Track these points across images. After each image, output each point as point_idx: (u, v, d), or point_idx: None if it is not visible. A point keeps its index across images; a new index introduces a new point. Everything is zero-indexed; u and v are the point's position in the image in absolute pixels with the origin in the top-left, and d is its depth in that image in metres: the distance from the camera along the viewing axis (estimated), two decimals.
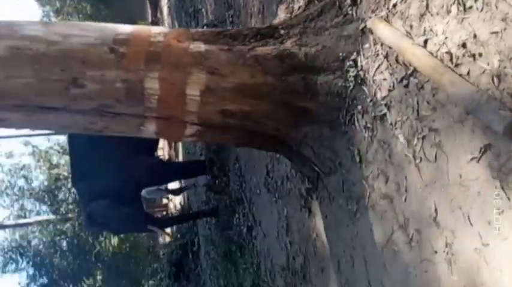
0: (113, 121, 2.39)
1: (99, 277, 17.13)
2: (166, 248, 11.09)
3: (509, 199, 1.32)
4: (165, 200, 15.35)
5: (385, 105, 1.89)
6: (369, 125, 2.04)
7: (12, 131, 16.34)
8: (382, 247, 2.05)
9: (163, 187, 8.62)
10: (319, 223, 2.83)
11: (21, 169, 16.94)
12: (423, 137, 1.68)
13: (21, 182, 17.17)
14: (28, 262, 16.47)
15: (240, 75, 2.20)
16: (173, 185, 9.58)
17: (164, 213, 13.61)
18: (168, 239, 9.48)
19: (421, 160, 1.71)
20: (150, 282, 11.10)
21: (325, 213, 2.69)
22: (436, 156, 1.63)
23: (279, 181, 3.55)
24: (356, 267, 2.34)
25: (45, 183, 16.49)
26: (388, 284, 2.02)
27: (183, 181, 8.58)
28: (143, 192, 8.56)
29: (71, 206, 15.72)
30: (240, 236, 4.88)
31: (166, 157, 11.61)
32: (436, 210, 1.65)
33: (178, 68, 2.16)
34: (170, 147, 11.63)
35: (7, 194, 17.27)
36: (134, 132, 2.48)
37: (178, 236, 9.96)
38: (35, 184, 17.24)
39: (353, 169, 2.25)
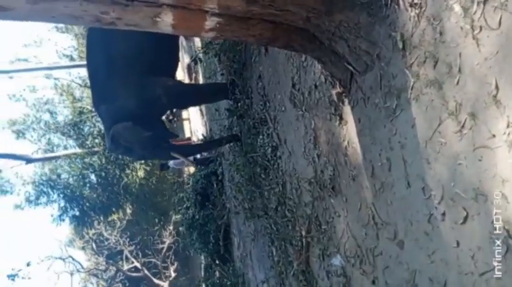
0: (125, 11, 2.16)
1: (128, 211, 17.82)
2: (191, 177, 11.27)
3: None
4: (187, 134, 15.41)
5: None
6: (416, 0, 1.75)
7: (32, 64, 16.31)
8: (426, 141, 1.84)
9: (191, 157, 8.29)
10: (351, 129, 2.62)
11: (45, 103, 17.08)
12: (484, 1, 1.41)
13: (46, 116, 17.39)
14: (59, 195, 17.10)
15: None
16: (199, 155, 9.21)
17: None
18: (192, 169, 9.54)
19: (480, 30, 1.45)
20: (177, 212, 11.33)
21: (358, 117, 2.48)
22: (500, 21, 1.36)
23: (306, 92, 3.32)
24: (393, 169, 2.16)
25: (70, 117, 16.65)
26: (431, 181, 1.84)
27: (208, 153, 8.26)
28: (170, 163, 8.42)
29: (96, 140, 15.93)
30: (264, 158, 4.75)
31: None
32: (497, 86, 1.42)
33: None
34: (190, 78, 11.40)
35: (33, 129, 17.58)
36: (149, 25, 2.25)
37: (202, 166, 10.05)
38: (60, 118, 17.44)
39: (394, 59, 2.00)
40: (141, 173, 14.77)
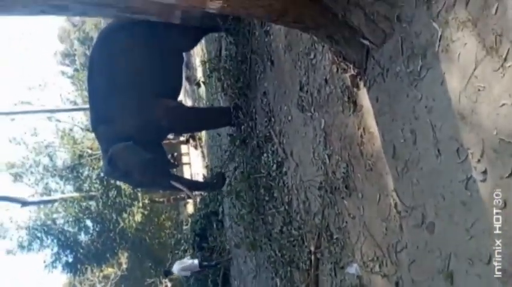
0: None
1: (123, 260, 17.13)
2: (190, 218, 10.86)
3: None
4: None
5: None
6: None
7: (35, 107, 16.39)
8: (459, 94, 1.63)
9: (195, 262, 8.05)
10: (367, 113, 2.42)
11: (46, 147, 16.95)
12: None
13: (45, 160, 17.20)
14: (52, 240, 16.51)
15: None
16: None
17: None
18: (191, 204, 9.19)
19: None
20: (173, 255, 10.81)
21: (376, 96, 2.29)
22: None
23: (315, 92, 3.15)
24: (419, 141, 1.93)
25: (69, 161, 16.47)
26: (467, 139, 1.61)
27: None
28: (176, 269, 8.15)
29: (94, 184, 15.64)
30: (269, 178, 4.50)
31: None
32: None
33: None
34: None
35: (31, 173, 17.32)
36: None
37: (203, 206, 9.70)
38: (59, 162, 17.24)
39: (418, 15, 1.84)
40: (138, 217, 14.32)
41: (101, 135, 4.97)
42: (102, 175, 14.80)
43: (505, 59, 1.41)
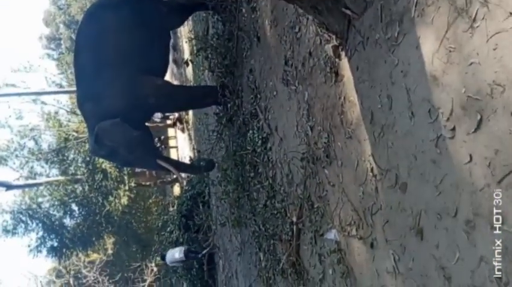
0: None
1: (109, 245, 17.14)
2: (176, 200, 10.92)
3: None
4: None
5: None
6: None
7: (20, 90, 16.18)
8: (432, 56, 1.72)
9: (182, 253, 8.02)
10: (347, 82, 2.50)
11: (31, 130, 16.77)
12: None
13: (30, 143, 17.03)
14: (37, 224, 16.43)
15: None
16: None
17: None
18: (178, 186, 9.26)
19: None
20: (160, 236, 10.87)
21: (356, 65, 2.36)
22: None
23: (299, 65, 3.22)
24: (394, 105, 2.02)
25: (54, 144, 16.33)
26: (437, 99, 1.70)
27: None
28: (168, 260, 8.22)
29: (80, 167, 15.57)
30: (254, 154, 4.58)
31: None
32: None
33: None
34: None
35: (17, 156, 17.14)
36: None
37: (189, 187, 9.76)
38: (44, 145, 17.09)
39: None
40: (124, 201, 14.32)
41: (88, 113, 4.96)
42: (87, 158, 14.78)
43: (474, 20, 1.49)
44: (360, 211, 2.42)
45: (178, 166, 6.15)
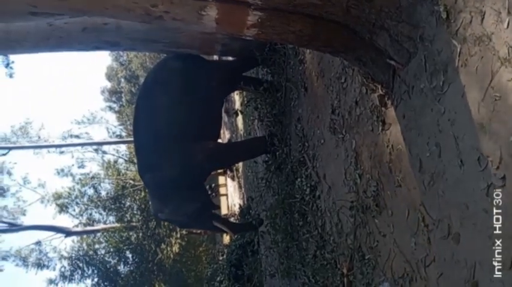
0: (173, 4, 2.29)
1: None
2: (225, 248, 10.91)
3: None
4: (224, 210, 15.29)
5: None
6: None
7: (83, 140, 17.24)
8: (478, 104, 1.72)
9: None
10: (395, 130, 2.51)
11: (91, 178, 17.68)
12: None
13: (90, 191, 17.89)
14: (93, 271, 16.90)
15: None
16: None
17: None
18: (227, 234, 9.29)
19: None
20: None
21: (402, 113, 2.38)
22: None
23: (346, 114, 3.27)
24: (443, 153, 2.00)
25: (112, 192, 17.07)
26: (486, 147, 1.68)
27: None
28: None
29: (136, 215, 16.07)
30: (303, 202, 4.57)
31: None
32: None
33: None
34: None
35: (77, 203, 18.02)
36: (194, 20, 2.36)
37: (238, 236, 9.75)
38: (103, 193, 17.89)
39: (438, 34, 1.96)
40: (175, 248, 14.49)
41: (148, 182, 5.27)
42: (143, 205, 15.27)
43: None
44: (413, 263, 2.35)
45: (233, 227, 6.40)
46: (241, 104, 7.64)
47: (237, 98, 9.78)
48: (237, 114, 7.02)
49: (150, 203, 6.02)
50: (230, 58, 5.94)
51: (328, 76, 3.62)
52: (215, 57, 7.31)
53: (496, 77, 1.61)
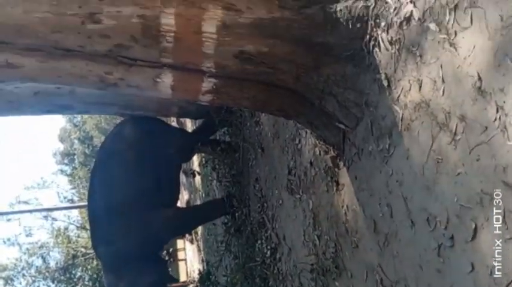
0: (128, 71, 2.33)
1: None
2: None
3: None
4: (183, 276, 14.66)
5: (410, 1, 1.79)
6: (394, 38, 1.92)
7: (32, 206, 16.40)
8: (422, 167, 1.80)
9: None
10: (348, 191, 2.57)
11: (39, 248, 16.64)
12: (455, 7, 1.55)
13: (38, 262, 16.78)
14: None
15: (257, 10, 2.15)
16: None
17: None
18: None
19: (455, 34, 1.57)
20: None
21: (354, 174, 2.46)
22: (471, 18, 1.49)
23: (302, 174, 3.33)
24: (395, 214, 2.06)
25: (62, 261, 16.07)
26: (434, 207, 1.75)
27: None
28: None
29: (87, 286, 15.12)
30: (263, 266, 4.49)
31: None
32: (479, 77, 1.47)
33: (194, 3, 2.14)
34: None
35: (23, 275, 16.79)
36: (149, 87, 2.40)
37: None
38: (52, 263, 16.81)
39: (381, 101, 2.08)
40: None
41: (102, 255, 5.06)
42: (95, 275, 14.37)
43: (455, 133, 1.60)
44: None
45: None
46: (199, 165, 7.62)
47: (195, 158, 9.74)
48: (194, 175, 6.98)
49: (103, 276, 5.76)
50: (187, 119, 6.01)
51: (283, 137, 3.72)
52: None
53: (436, 141, 1.71)
